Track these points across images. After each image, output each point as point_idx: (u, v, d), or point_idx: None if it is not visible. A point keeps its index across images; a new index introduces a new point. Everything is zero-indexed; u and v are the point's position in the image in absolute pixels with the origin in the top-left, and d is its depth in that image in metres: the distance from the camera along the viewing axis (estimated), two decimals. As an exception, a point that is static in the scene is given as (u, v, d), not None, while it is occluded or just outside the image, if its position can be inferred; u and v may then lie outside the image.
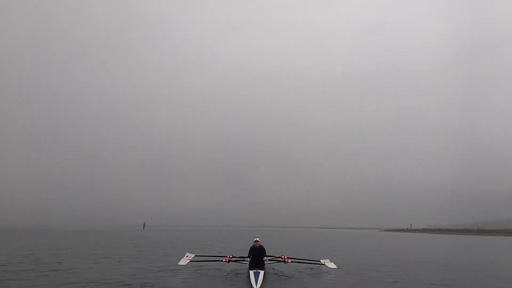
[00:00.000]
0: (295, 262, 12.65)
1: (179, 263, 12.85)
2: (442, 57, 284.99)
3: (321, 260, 13.56)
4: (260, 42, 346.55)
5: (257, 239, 12.15)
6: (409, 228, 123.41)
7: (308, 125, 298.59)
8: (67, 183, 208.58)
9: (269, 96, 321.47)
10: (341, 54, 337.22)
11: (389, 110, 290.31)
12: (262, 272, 10.22)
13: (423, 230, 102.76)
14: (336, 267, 13.11)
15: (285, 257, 12.72)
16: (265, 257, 11.79)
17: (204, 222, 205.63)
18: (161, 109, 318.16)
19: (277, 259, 12.85)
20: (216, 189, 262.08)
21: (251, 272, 10.15)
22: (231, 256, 12.82)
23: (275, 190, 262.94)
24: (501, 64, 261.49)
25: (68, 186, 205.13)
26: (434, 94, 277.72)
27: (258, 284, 9.31)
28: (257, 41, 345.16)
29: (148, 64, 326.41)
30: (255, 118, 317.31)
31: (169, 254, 18.48)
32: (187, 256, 13.44)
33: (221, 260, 12.46)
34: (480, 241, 44.39)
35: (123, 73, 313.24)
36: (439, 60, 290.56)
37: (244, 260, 12.43)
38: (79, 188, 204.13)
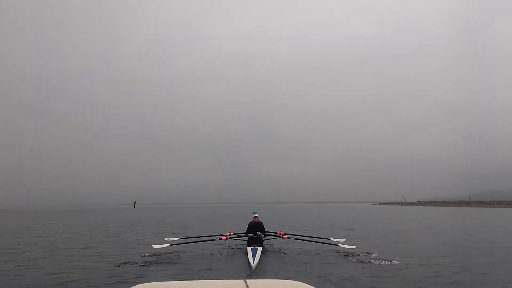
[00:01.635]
0: (293, 238, 12.09)
1: (154, 246, 11.21)
2: (439, 35, 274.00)
3: (331, 238, 12.58)
4: (249, 24, 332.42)
5: (257, 214, 11.97)
6: (403, 201, 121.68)
7: (299, 103, 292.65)
8: (57, 166, 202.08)
9: (260, 75, 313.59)
10: (332, 34, 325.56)
11: (381, 87, 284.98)
12: (260, 248, 9.85)
13: (418, 203, 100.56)
14: (353, 247, 11.12)
15: (282, 233, 12.40)
16: (258, 232, 11.54)
17: (198, 200, 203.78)
18: (151, 90, 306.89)
19: (273, 235, 12.57)
20: (209, 167, 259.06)
21: (249, 249, 9.73)
22: (231, 233, 12.50)
23: (268, 167, 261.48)
24: (498, 42, 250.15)
25: (59, 170, 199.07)
26: (428, 72, 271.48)
27: (255, 260, 8.93)
28: (246, 23, 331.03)
29: (140, 47, 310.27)
30: (245, 98, 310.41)
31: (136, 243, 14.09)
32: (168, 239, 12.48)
33: (220, 238, 11.90)
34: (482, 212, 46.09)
35: (109, 57, 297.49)
36: (435, 38, 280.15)
37: (244, 237, 12.11)
38: (70, 171, 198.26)
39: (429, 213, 45.37)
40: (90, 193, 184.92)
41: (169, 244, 11.36)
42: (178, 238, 12.77)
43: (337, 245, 11.40)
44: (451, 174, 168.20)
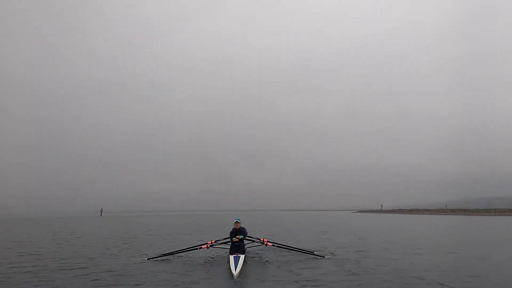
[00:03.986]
0: (277, 246, 12.01)
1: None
2: (433, 35, 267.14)
3: (314, 252, 12.30)
4: (221, 32, 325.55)
5: (238, 221, 11.72)
6: (381, 209, 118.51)
7: (276, 108, 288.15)
8: (23, 173, 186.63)
9: (237, 79, 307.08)
10: (313, 34, 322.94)
11: (361, 92, 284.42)
12: (242, 257, 9.71)
13: (399, 211, 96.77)
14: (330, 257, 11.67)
15: (265, 240, 12.02)
16: (239, 236, 11.19)
17: (172, 207, 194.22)
18: (120, 96, 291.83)
19: (255, 240, 12.14)
20: (184, 176, 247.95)
21: (231, 257, 9.66)
22: (212, 241, 11.97)
23: (244, 174, 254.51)
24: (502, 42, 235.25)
25: (25, 177, 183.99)
26: (408, 77, 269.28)
27: (237, 268, 8.81)
28: (216, 31, 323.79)
29: (108, 51, 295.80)
30: (223, 101, 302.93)
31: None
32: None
33: (200, 247, 11.58)
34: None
35: (77, 62, 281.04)
36: (427, 38, 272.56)
37: (225, 243, 11.86)
38: (38, 178, 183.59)
39: (420, 221, 44.14)
40: (61, 201, 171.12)
41: (147, 258, 11.25)
42: (159, 256, 11.75)
43: (323, 257, 11.56)
44: (425, 183, 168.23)
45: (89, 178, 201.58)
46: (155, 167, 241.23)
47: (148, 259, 11.24)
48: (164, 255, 11.71)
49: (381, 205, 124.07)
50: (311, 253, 12.06)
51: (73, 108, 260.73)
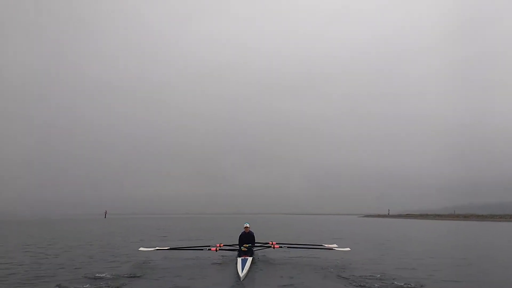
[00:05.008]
0: (285, 247, 12.10)
1: (141, 249, 11.61)
2: (434, 37, 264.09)
3: (324, 245, 12.59)
4: (226, 35, 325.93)
5: (247, 225, 11.91)
6: (388, 213, 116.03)
7: (279, 111, 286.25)
8: (28, 175, 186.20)
9: (240, 80, 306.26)
10: (317, 37, 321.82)
11: (364, 95, 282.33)
12: (250, 259, 9.79)
13: (408, 216, 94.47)
14: (347, 249, 11.66)
15: (274, 243, 12.19)
16: (247, 244, 11.34)
17: (175, 210, 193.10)
18: (123, 98, 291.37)
19: (264, 245, 12.29)
20: (188, 178, 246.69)
21: (239, 259, 9.69)
22: (221, 244, 12.08)
23: (246, 177, 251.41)
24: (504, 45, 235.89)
25: (30, 178, 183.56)
26: (411, 79, 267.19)
27: (244, 270, 8.85)
28: (224, 27, 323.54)
29: (112, 53, 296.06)
30: (225, 102, 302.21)
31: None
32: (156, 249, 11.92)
33: (209, 249, 11.57)
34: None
35: (82, 62, 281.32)
36: (428, 41, 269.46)
37: (235, 249, 11.94)
38: (43, 179, 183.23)
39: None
40: (66, 203, 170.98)
41: (156, 248, 11.44)
42: (167, 248, 12.05)
43: (332, 249, 11.61)
44: (429, 188, 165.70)
45: (94, 179, 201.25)
46: (158, 169, 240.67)
47: (156, 248, 11.69)
48: (172, 249, 12.11)
49: (388, 210, 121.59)
50: (321, 246, 12.31)
51: (77, 109, 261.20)
